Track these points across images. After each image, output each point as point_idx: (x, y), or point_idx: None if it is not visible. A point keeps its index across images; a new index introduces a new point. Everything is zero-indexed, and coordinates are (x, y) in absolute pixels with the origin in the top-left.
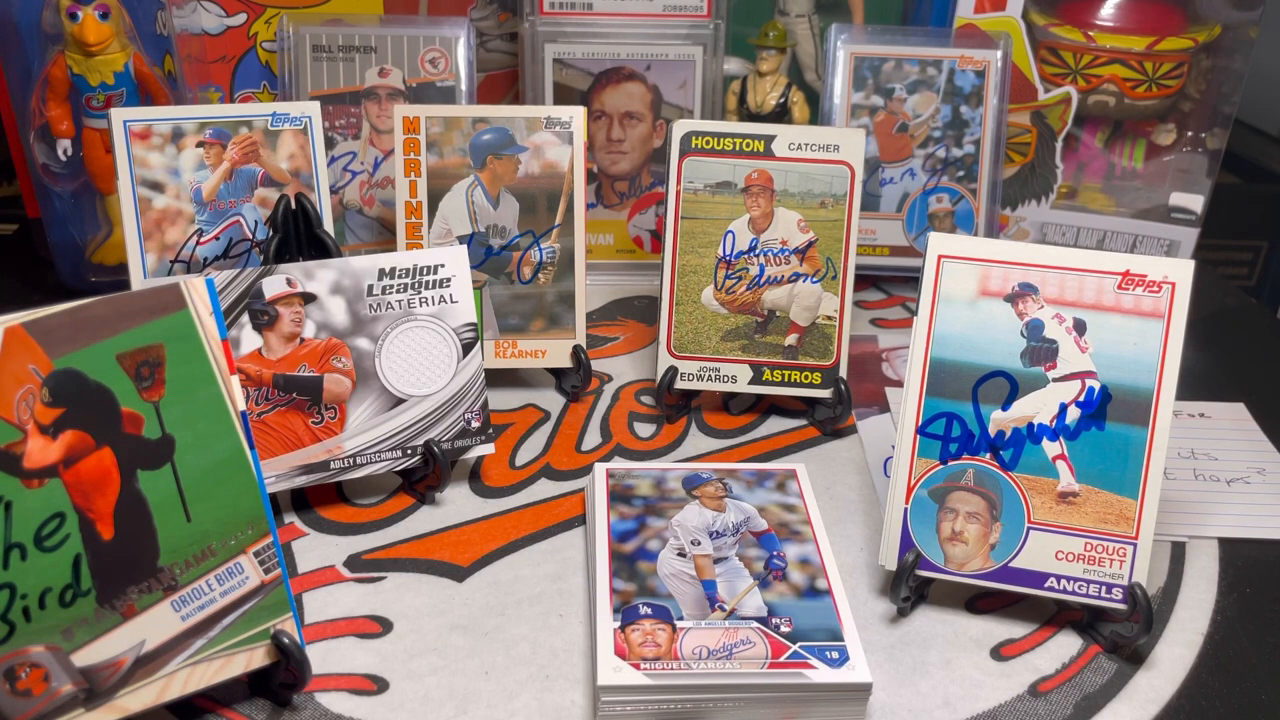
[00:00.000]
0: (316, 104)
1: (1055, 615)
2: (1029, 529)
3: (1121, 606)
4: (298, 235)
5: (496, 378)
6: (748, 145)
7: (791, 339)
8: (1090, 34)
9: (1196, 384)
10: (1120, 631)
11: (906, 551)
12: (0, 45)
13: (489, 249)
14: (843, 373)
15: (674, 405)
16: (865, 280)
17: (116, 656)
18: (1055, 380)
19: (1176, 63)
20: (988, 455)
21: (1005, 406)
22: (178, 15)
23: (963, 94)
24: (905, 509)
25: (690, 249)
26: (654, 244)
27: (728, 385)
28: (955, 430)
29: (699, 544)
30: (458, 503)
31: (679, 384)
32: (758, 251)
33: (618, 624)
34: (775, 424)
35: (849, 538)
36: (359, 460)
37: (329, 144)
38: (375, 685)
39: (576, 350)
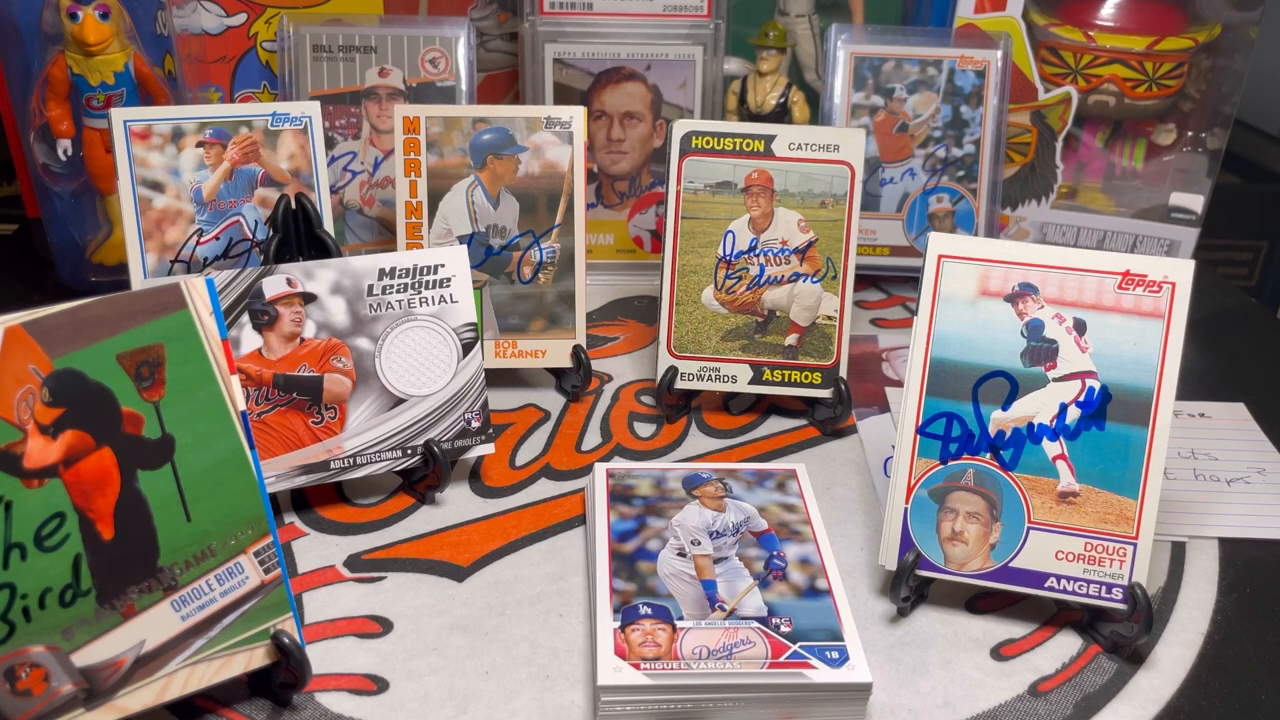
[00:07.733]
0: (316, 104)
1: (1055, 615)
2: (1029, 529)
3: (1121, 606)
4: (298, 235)
5: (496, 378)
6: (748, 145)
7: (791, 339)
8: (1090, 34)
9: (1196, 384)
10: (1120, 631)
11: (906, 551)
12: (0, 45)
13: (489, 249)
14: (843, 373)
15: (674, 405)
16: (865, 280)
17: (116, 656)
18: (1055, 380)
19: (1176, 63)
20: (988, 455)
21: (1005, 406)
22: (178, 15)
23: (963, 94)
24: (905, 509)
25: (690, 249)
26: (654, 244)
27: (728, 385)
28: (955, 430)
29: (699, 544)
30: (458, 503)
31: (679, 384)
32: (758, 251)
33: (618, 624)
34: (775, 424)
35: (849, 538)
36: (359, 460)
37: (329, 144)
38: (375, 685)
39: (576, 350)
